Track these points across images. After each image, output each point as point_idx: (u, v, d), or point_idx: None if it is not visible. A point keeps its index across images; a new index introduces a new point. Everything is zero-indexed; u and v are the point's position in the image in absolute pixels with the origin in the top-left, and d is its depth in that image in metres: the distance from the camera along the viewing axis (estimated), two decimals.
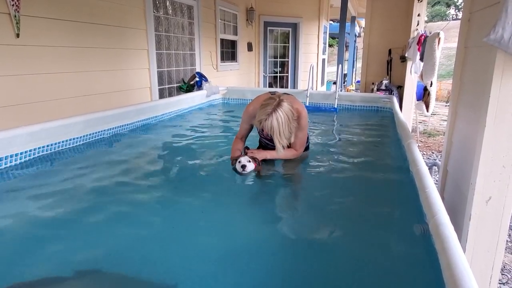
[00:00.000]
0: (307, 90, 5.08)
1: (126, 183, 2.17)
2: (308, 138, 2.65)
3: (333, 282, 1.26)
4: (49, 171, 2.36)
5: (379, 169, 2.52)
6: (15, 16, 2.71)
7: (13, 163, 2.35)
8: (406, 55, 6.28)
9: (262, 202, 1.98)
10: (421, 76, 4.80)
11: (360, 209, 1.87)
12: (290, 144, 2.30)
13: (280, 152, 2.20)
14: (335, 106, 4.85)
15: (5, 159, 2.30)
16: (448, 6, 32.75)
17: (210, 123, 4.16)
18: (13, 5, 2.67)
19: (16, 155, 2.38)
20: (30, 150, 2.47)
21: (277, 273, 1.30)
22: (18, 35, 2.76)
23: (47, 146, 2.59)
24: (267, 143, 2.47)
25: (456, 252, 0.96)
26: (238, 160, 2.24)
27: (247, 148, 2.45)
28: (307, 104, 4.92)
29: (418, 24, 6.34)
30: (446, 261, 0.94)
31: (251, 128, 2.46)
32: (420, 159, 1.88)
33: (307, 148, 2.66)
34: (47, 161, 2.49)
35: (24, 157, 2.43)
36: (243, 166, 2.20)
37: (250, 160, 2.22)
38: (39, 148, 2.53)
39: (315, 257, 1.41)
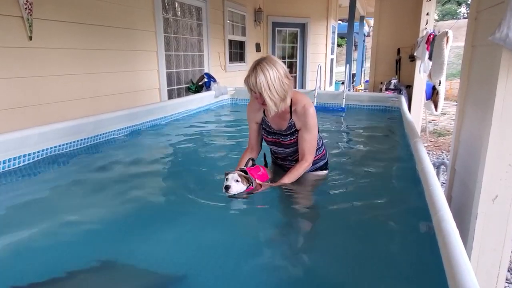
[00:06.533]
0: (314, 90, 5.09)
1: (132, 183, 2.22)
2: (325, 151, 2.23)
3: (335, 277, 1.28)
4: (60, 171, 2.42)
5: (386, 168, 2.52)
6: (28, 19, 2.78)
7: (26, 163, 2.41)
8: (415, 54, 6.23)
9: (265, 204, 1.93)
10: (430, 75, 4.77)
11: (367, 206, 1.87)
12: (297, 148, 2.02)
13: (273, 111, 1.83)
14: (343, 106, 4.86)
15: (18, 158, 2.37)
16: (459, 4, 32.32)
17: (218, 124, 4.20)
18: (26, 8, 2.74)
19: (29, 154, 2.44)
20: (42, 150, 2.54)
21: (282, 272, 1.32)
22: (30, 38, 2.83)
23: (58, 146, 2.66)
24: (274, 151, 2.18)
25: (457, 247, 0.97)
26: (226, 177, 1.84)
27: (252, 160, 2.11)
28: (314, 104, 4.93)
29: (427, 23, 6.29)
30: (447, 256, 0.95)
31: (259, 129, 2.16)
32: (425, 157, 1.89)
33: (325, 166, 2.23)
34: (57, 161, 2.55)
35: (37, 157, 2.49)
36: (226, 187, 1.78)
37: (239, 179, 1.81)
38: (50, 148, 2.59)
39: (319, 252, 1.44)
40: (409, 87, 7.05)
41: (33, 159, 2.46)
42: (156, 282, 1.28)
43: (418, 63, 6.02)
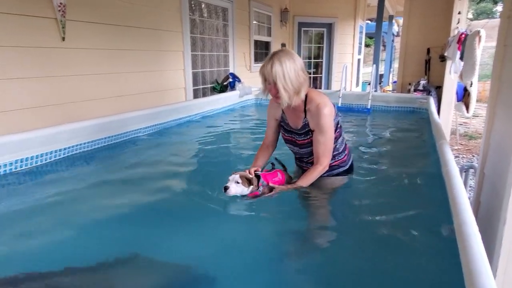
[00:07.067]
0: (339, 90, 5.03)
1: (157, 181, 2.28)
2: (347, 157, 2.09)
3: (351, 281, 1.27)
4: (88, 167, 2.52)
5: (411, 171, 2.46)
6: (61, 21, 2.90)
7: (57, 158, 2.52)
8: (445, 54, 6.04)
9: (282, 207, 1.87)
10: (461, 76, 4.62)
11: (389, 210, 1.83)
12: (312, 151, 1.94)
13: (285, 103, 1.79)
14: (369, 107, 4.77)
15: (50, 153, 2.48)
16: (495, 3, 30.93)
17: (242, 124, 4.23)
18: (59, 10, 2.87)
19: (60, 150, 2.55)
20: (73, 146, 2.64)
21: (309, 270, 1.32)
22: (63, 39, 2.96)
23: (87, 143, 2.75)
24: (291, 150, 2.12)
25: (477, 251, 0.94)
26: (228, 177, 1.81)
27: (272, 164, 2.06)
28: (339, 105, 4.87)
29: (458, 22, 6.09)
30: (466, 259, 0.93)
31: (277, 126, 2.12)
32: (450, 159, 1.83)
33: (345, 173, 2.10)
34: (85, 158, 2.65)
35: (67, 153, 2.60)
36: (225, 188, 1.75)
37: (240, 181, 1.76)
38: (80, 144, 2.70)
39: (334, 255, 1.43)
40: (439, 88, 6.84)
41: (63, 154, 2.57)
42: (177, 276, 1.32)
43: (448, 63, 5.84)
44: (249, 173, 1.84)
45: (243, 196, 1.81)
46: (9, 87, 2.62)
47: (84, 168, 2.46)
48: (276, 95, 1.82)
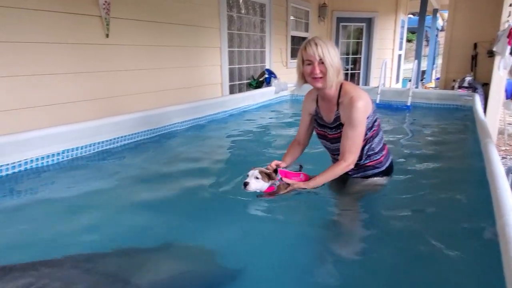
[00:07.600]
0: (378, 86, 4.90)
1: (192, 173, 2.33)
2: (384, 158, 1.94)
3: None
4: (129, 159, 2.62)
5: (453, 171, 2.37)
6: (106, 19, 3.04)
7: (101, 149, 2.64)
8: (494, 49, 5.70)
9: (316, 203, 1.85)
10: (511, 72, 4.36)
11: (430, 210, 1.79)
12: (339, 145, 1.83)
13: (330, 81, 1.72)
14: (408, 104, 4.61)
15: (93, 145, 2.61)
16: None
17: (277, 120, 4.23)
18: (104, 8, 3.00)
19: (102, 142, 2.68)
20: (114, 139, 2.76)
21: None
22: (107, 35, 3.09)
23: (128, 135, 2.87)
24: (323, 145, 2.02)
25: None
26: (247, 173, 1.79)
27: (300, 166, 1.97)
28: (377, 102, 4.74)
29: (509, 15, 5.71)
30: (508, 263, 0.88)
31: (310, 122, 2.04)
32: (495, 159, 1.73)
33: (387, 172, 1.96)
34: (126, 150, 2.76)
35: (109, 145, 2.72)
36: (245, 184, 1.73)
37: (259, 176, 1.74)
38: (121, 137, 2.81)
39: (362, 255, 1.41)
40: (486, 85, 6.47)
41: (105, 146, 2.69)
42: (207, 266, 1.36)
43: (497, 59, 5.51)
44: (270, 166, 1.83)
45: (258, 195, 1.79)
46: (56, 82, 2.78)
47: (124, 160, 2.57)
48: (320, 75, 1.74)
